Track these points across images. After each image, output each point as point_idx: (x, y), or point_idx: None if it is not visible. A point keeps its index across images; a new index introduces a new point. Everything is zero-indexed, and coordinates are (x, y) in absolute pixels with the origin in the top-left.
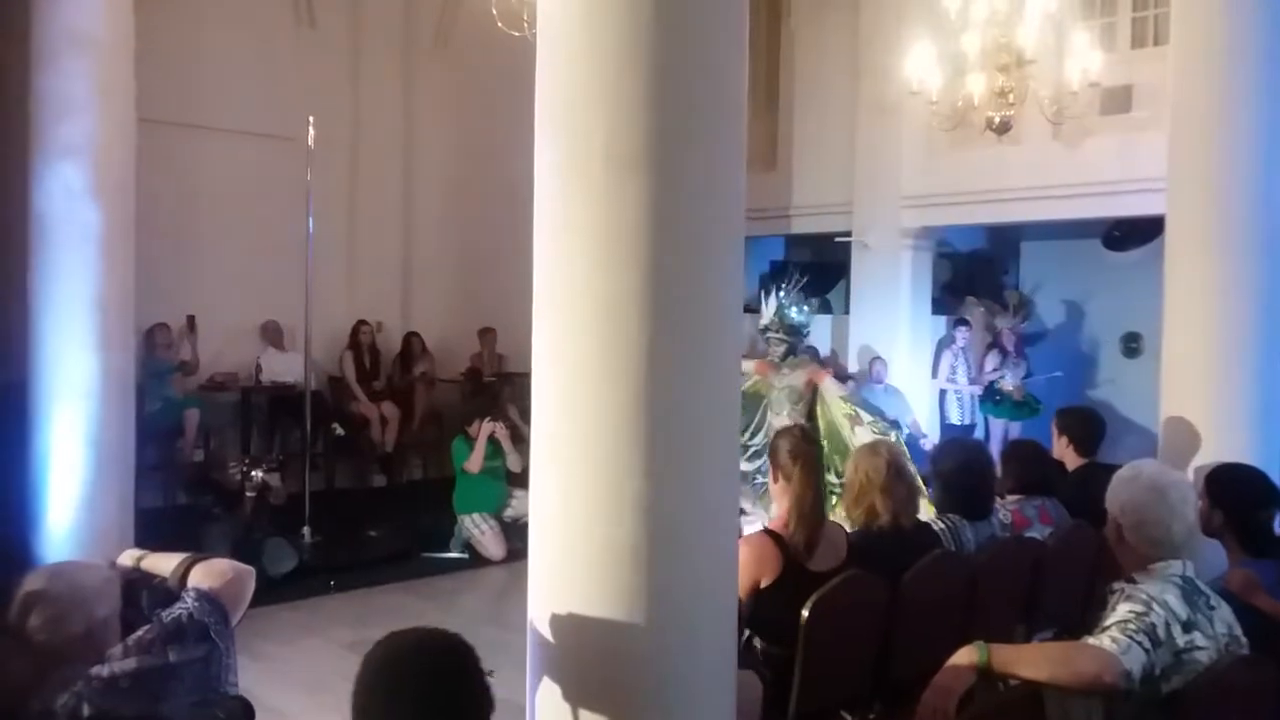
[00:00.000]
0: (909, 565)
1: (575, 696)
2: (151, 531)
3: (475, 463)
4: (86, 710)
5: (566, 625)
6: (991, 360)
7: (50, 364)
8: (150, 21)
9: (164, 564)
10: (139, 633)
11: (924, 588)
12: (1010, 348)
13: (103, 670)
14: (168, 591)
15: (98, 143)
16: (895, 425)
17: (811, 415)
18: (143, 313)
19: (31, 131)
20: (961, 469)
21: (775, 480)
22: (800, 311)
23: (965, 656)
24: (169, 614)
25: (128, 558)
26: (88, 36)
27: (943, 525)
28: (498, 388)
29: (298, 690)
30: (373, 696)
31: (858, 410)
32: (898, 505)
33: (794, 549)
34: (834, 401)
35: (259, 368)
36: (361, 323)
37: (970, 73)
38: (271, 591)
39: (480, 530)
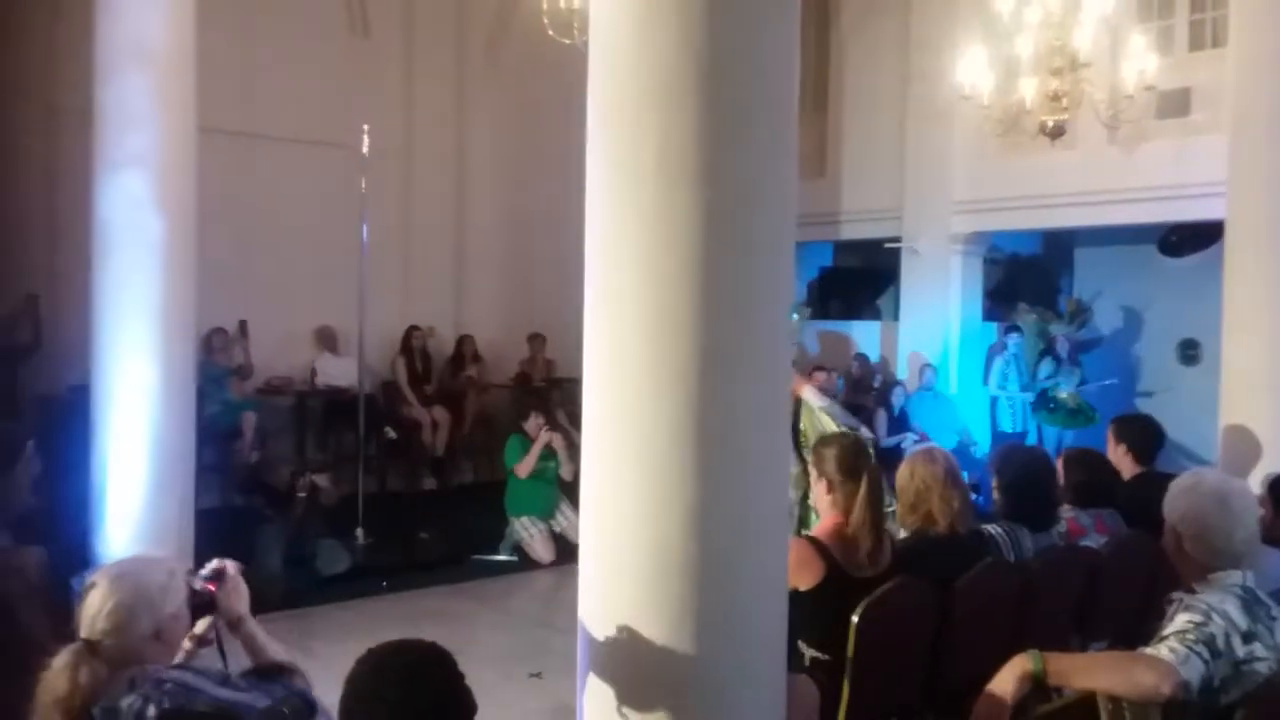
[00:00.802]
0: (960, 572)
1: (625, 701)
2: (208, 532)
3: (526, 468)
4: (152, 711)
5: (617, 629)
6: (1045, 367)
7: (113, 368)
8: (209, 33)
9: (265, 644)
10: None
11: (976, 595)
12: (1064, 355)
13: (183, 677)
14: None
15: (160, 153)
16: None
17: (795, 423)
18: (200, 317)
19: (95, 142)
20: (1028, 478)
21: (825, 489)
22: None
23: (1019, 665)
24: (292, 690)
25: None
26: (150, 49)
27: (1003, 533)
28: (547, 393)
29: None
30: (351, 710)
31: (835, 421)
32: (954, 512)
33: (837, 555)
34: (817, 412)
35: (314, 372)
36: (414, 328)
37: (1023, 76)
38: (325, 591)
39: (530, 534)
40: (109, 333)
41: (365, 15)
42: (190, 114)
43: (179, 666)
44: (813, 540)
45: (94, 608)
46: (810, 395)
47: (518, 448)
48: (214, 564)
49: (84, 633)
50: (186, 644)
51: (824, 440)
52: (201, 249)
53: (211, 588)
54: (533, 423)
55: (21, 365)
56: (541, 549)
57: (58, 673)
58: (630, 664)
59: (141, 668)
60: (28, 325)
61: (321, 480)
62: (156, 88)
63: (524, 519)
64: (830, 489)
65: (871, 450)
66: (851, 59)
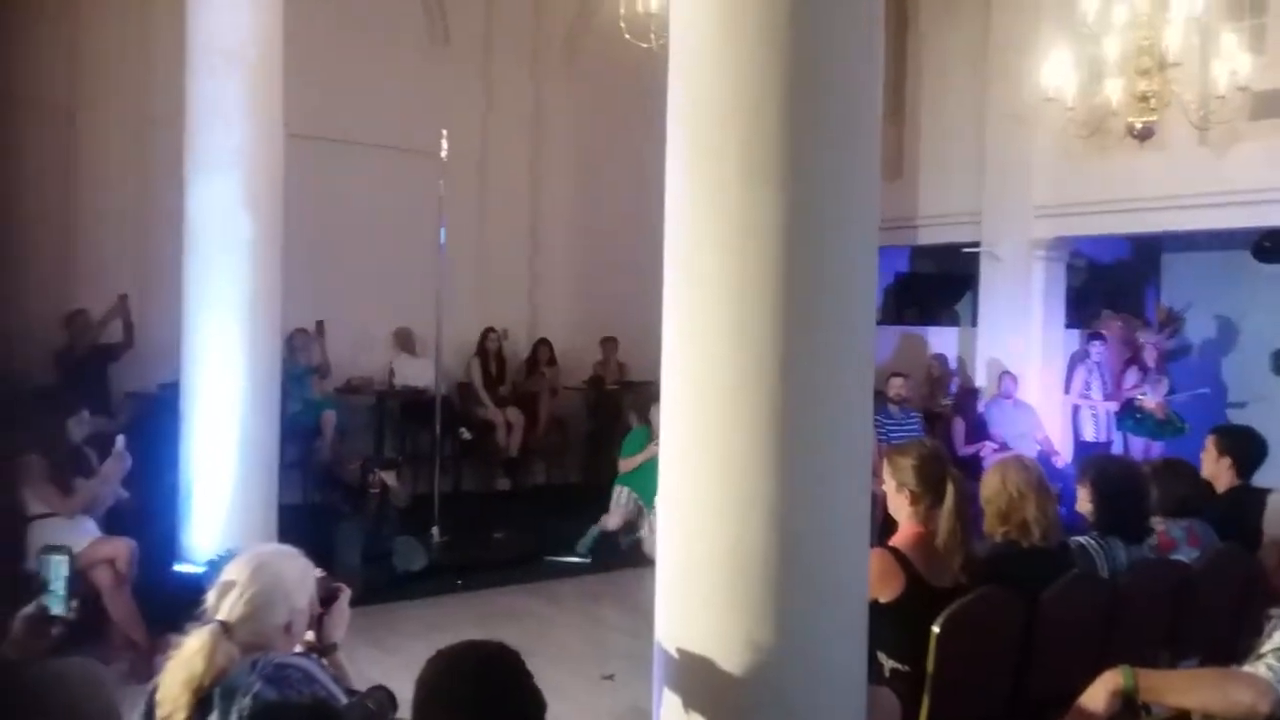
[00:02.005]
0: (1045, 584)
1: (702, 706)
2: (289, 528)
3: (628, 466)
4: (272, 694)
5: (693, 633)
6: (1131, 376)
7: (202, 366)
8: (296, 41)
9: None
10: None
11: (1063, 608)
12: (1151, 363)
13: (309, 666)
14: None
15: (248, 155)
16: None
17: None
18: (282, 318)
19: (185, 144)
20: (1125, 489)
21: (907, 500)
22: None
23: (1110, 681)
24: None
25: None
26: (239, 53)
27: (1096, 545)
28: (619, 396)
29: None
30: (424, 708)
31: None
32: (1049, 521)
33: (919, 566)
34: None
35: (392, 372)
36: (489, 330)
37: (1109, 77)
38: (402, 588)
39: (620, 502)
40: (198, 332)
41: (446, 23)
42: (277, 117)
43: (303, 655)
44: (893, 550)
45: (233, 593)
46: None
47: (641, 439)
48: (332, 586)
49: (220, 615)
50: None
51: (900, 449)
52: (286, 251)
53: (315, 607)
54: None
55: (114, 363)
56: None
57: (193, 653)
58: (707, 669)
59: (265, 653)
60: (120, 324)
61: (389, 478)
62: (245, 91)
63: (627, 489)
64: (913, 500)
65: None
66: (929, 61)
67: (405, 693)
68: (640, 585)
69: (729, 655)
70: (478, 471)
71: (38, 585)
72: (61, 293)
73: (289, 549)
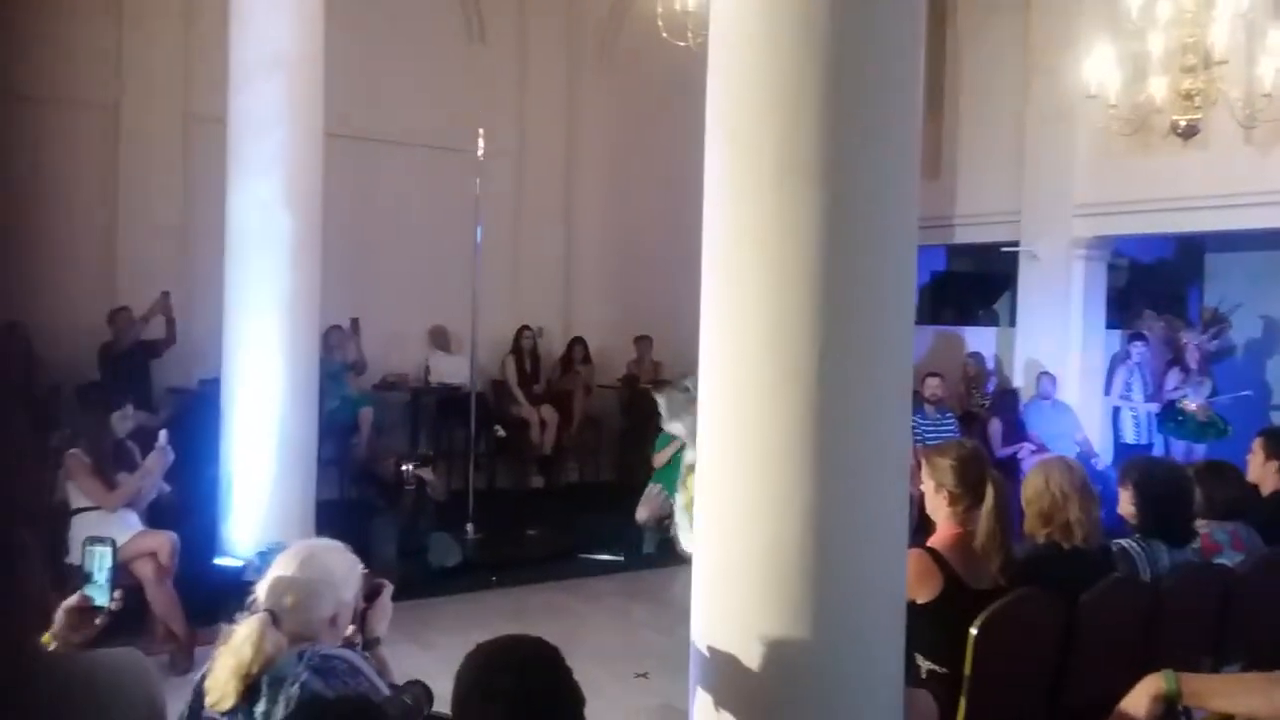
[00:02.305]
0: (1085, 587)
1: (737, 705)
2: (327, 523)
3: (660, 460)
4: (319, 684)
5: (729, 632)
6: (1173, 378)
7: (241, 362)
8: (335, 40)
9: (389, 670)
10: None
11: (1103, 611)
12: (1194, 365)
13: (354, 659)
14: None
15: (289, 156)
16: None
17: None
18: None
19: (228, 145)
20: (1170, 492)
21: (946, 501)
22: None
23: (1152, 685)
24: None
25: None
26: (281, 56)
27: (1138, 548)
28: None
29: None
30: (464, 701)
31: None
32: (1092, 523)
33: (957, 567)
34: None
35: (428, 369)
36: (524, 328)
37: (1153, 75)
38: (438, 584)
39: (650, 495)
40: (238, 328)
41: (482, 22)
42: (318, 119)
43: (349, 647)
44: (931, 551)
45: (282, 583)
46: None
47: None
48: (375, 581)
49: (268, 605)
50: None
51: (939, 449)
52: (325, 249)
53: (360, 601)
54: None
55: (156, 359)
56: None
57: (242, 641)
58: (742, 668)
59: (312, 644)
60: (162, 321)
61: (425, 473)
62: (287, 93)
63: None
64: (951, 501)
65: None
66: (968, 59)
67: (440, 688)
68: (674, 583)
69: (765, 654)
70: (512, 469)
71: (81, 577)
72: (106, 289)
73: (336, 543)
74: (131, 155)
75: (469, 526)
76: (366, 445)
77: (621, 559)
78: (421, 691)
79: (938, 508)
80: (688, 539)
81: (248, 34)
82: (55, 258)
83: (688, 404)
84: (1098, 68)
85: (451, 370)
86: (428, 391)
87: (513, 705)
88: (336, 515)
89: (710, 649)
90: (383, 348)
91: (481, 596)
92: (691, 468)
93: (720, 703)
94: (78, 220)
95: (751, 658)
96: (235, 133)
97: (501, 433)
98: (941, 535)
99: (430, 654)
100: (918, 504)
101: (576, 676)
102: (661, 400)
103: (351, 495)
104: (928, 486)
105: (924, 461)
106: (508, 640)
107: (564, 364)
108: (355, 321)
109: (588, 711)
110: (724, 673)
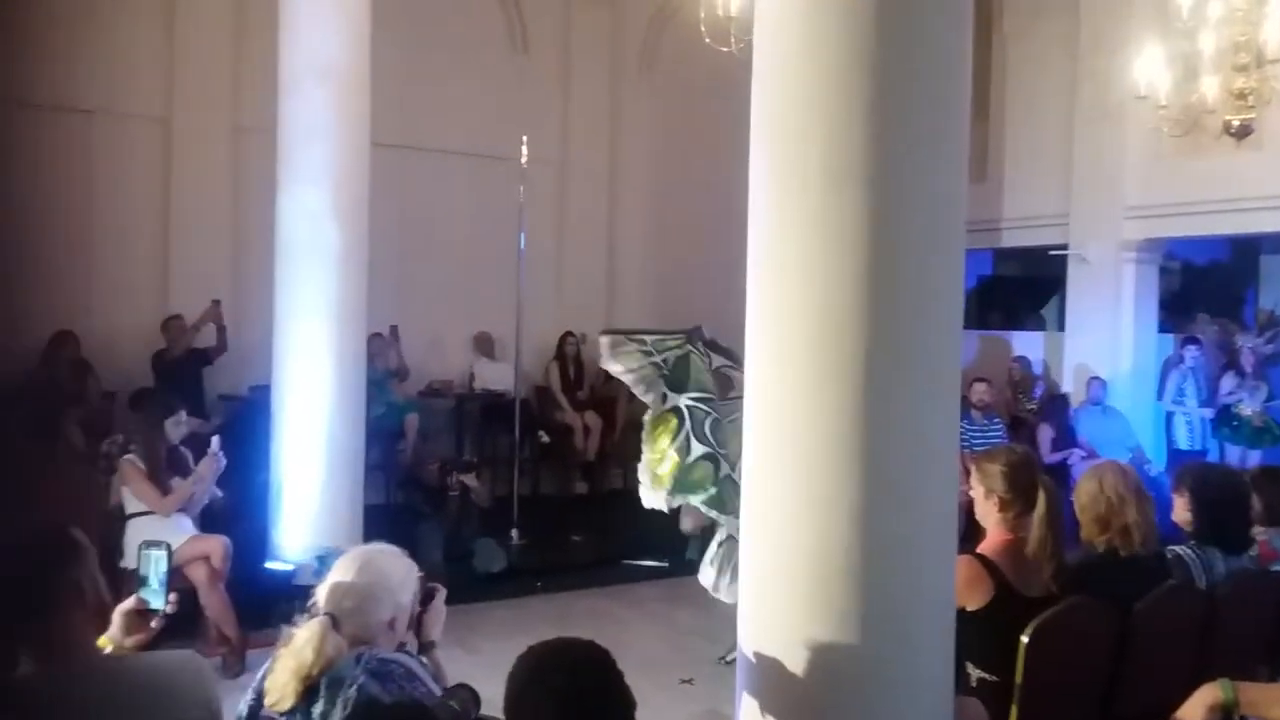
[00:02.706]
0: (1139, 595)
1: (782, 711)
2: (374, 528)
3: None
4: (376, 688)
5: (776, 637)
6: (1227, 382)
7: (291, 370)
8: (380, 50)
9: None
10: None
11: (1157, 619)
12: (1249, 369)
13: (410, 664)
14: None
15: (336, 166)
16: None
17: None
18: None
19: (277, 155)
20: (1227, 498)
21: (996, 506)
22: None
23: (1208, 695)
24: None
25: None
26: (328, 67)
27: (1193, 555)
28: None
29: None
30: (517, 699)
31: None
32: (1149, 527)
33: (1008, 573)
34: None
35: (472, 376)
36: (567, 334)
37: (1204, 74)
38: (483, 590)
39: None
40: (287, 336)
41: (525, 30)
42: (365, 130)
43: (404, 653)
44: (981, 558)
45: (341, 587)
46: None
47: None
48: (429, 585)
49: (328, 608)
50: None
51: (989, 455)
52: (370, 257)
53: (416, 605)
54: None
55: (208, 366)
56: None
57: (303, 644)
58: (788, 673)
59: (370, 647)
60: (213, 329)
61: (469, 480)
62: (334, 104)
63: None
64: (1001, 506)
65: None
66: (1015, 61)
67: (487, 692)
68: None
69: (811, 660)
70: (556, 475)
71: (137, 580)
72: (159, 297)
73: (393, 548)
74: (183, 166)
75: (514, 532)
76: (412, 451)
77: (666, 565)
78: (469, 695)
79: (988, 514)
80: (647, 498)
81: (296, 46)
82: (110, 267)
83: (636, 354)
84: (1148, 68)
85: (496, 376)
86: (472, 398)
87: (564, 704)
88: (383, 520)
89: (756, 654)
90: (427, 354)
91: (526, 602)
92: (656, 422)
93: (766, 708)
94: (131, 230)
95: (798, 663)
96: (284, 143)
97: (546, 439)
98: (992, 542)
99: (476, 659)
100: (966, 510)
101: None
102: (605, 341)
103: (398, 500)
104: (978, 492)
105: (974, 467)
106: (560, 642)
107: (607, 370)
108: (394, 329)
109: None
110: (770, 678)
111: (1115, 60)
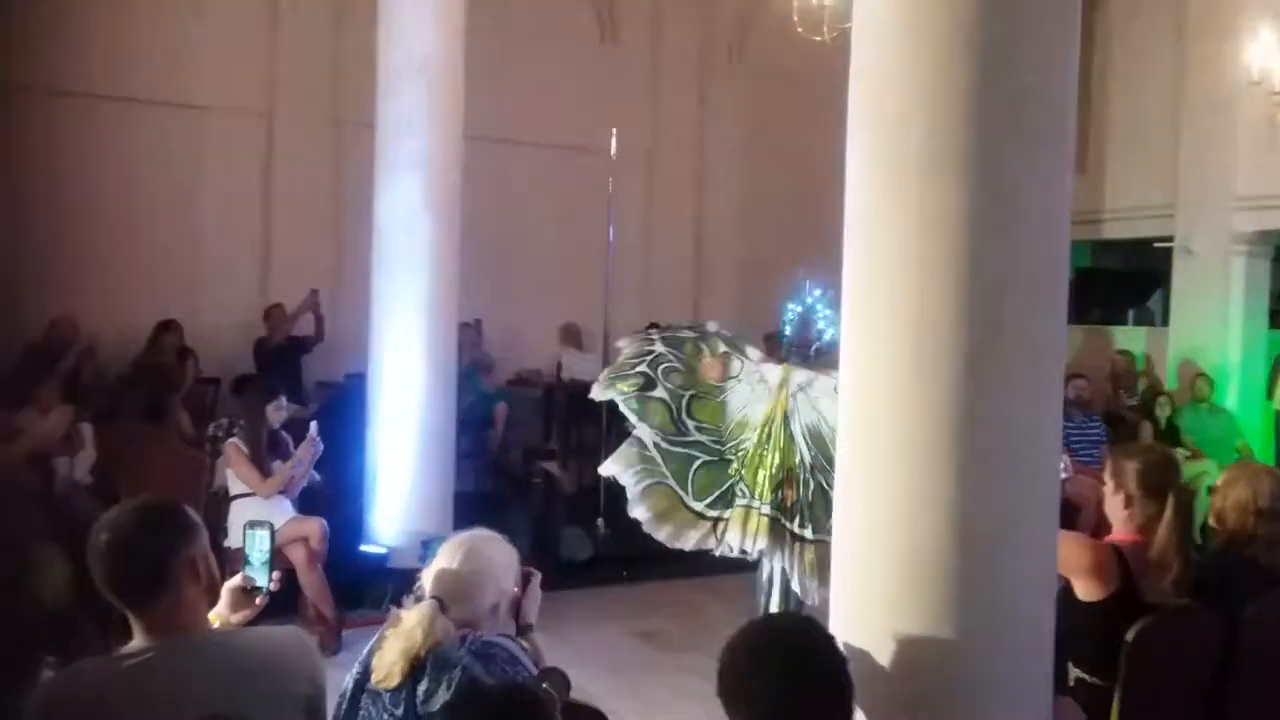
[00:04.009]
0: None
1: (871, 707)
2: (464, 514)
3: None
4: (480, 669)
5: (866, 631)
6: None
7: (385, 359)
8: (473, 44)
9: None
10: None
11: (1266, 628)
12: None
13: (512, 648)
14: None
15: (431, 158)
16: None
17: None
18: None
19: (375, 148)
20: None
21: (1122, 503)
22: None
23: None
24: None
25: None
26: (426, 62)
27: None
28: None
29: (599, 672)
30: (736, 671)
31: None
32: None
33: (1136, 572)
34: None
35: (560, 366)
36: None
37: None
38: (570, 577)
39: None
40: (383, 325)
41: (614, 22)
42: (458, 123)
43: (507, 637)
44: (1116, 549)
45: (448, 572)
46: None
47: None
48: (525, 570)
49: (435, 592)
50: None
51: (1126, 451)
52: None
53: (516, 590)
54: None
55: (306, 354)
56: None
57: (413, 625)
58: (879, 667)
59: (474, 630)
60: (311, 318)
61: (552, 468)
62: (430, 97)
63: None
64: (1129, 505)
65: None
66: (1119, 48)
67: (576, 679)
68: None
69: (903, 655)
70: None
71: (242, 559)
72: (260, 287)
73: (495, 534)
74: (284, 159)
75: (599, 521)
76: (500, 439)
77: (752, 557)
78: (560, 679)
79: (1115, 510)
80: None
81: (395, 41)
82: (214, 256)
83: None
84: (1261, 53)
85: (583, 367)
86: (560, 388)
87: (788, 682)
88: (473, 507)
89: (846, 647)
90: (515, 344)
91: (612, 590)
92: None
93: (855, 702)
94: (235, 221)
95: (889, 658)
96: (381, 136)
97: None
98: (1119, 537)
99: (565, 646)
100: (1066, 504)
101: (707, 671)
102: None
103: (486, 488)
104: (1109, 487)
105: (1109, 461)
106: (787, 617)
107: None
108: (478, 322)
109: (713, 709)
110: (859, 672)
111: (1226, 45)
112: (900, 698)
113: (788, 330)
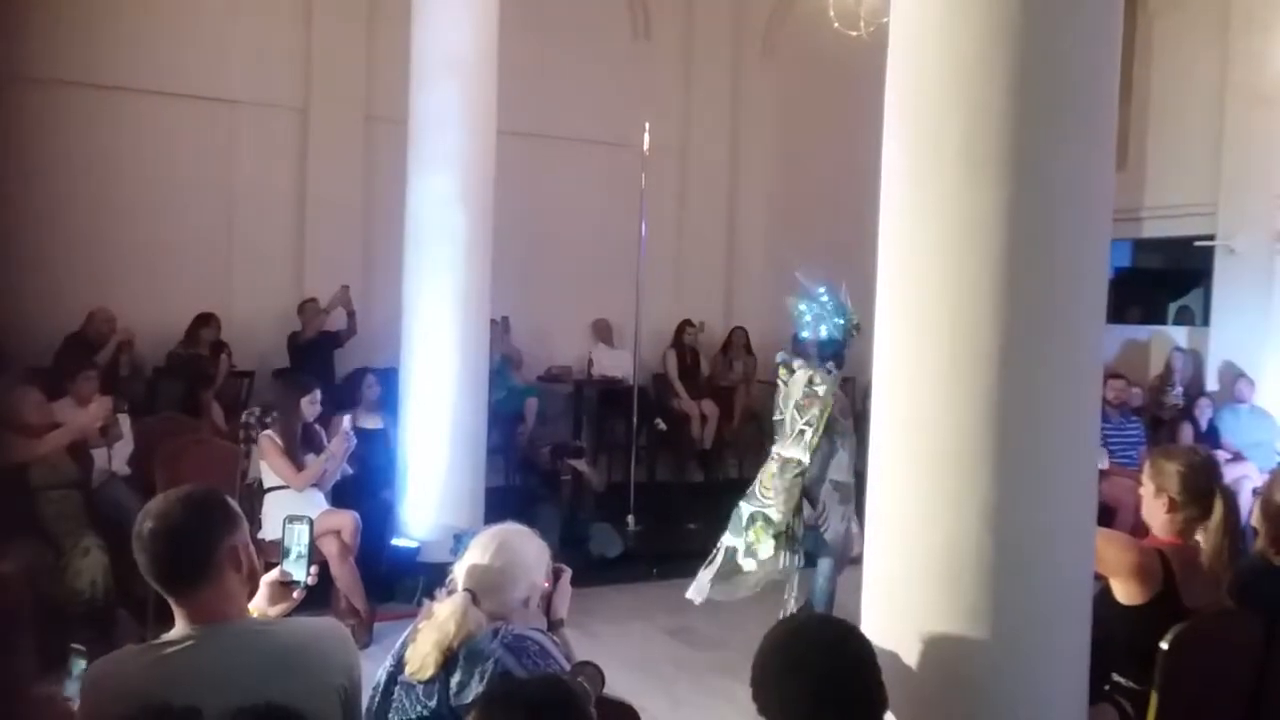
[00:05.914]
0: None
1: (902, 708)
2: (494, 509)
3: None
4: (512, 662)
5: (899, 633)
6: None
7: (418, 353)
8: (506, 40)
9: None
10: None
11: None
12: None
13: (544, 641)
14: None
15: (464, 154)
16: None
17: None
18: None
19: (407, 144)
20: None
21: (1164, 506)
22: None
23: None
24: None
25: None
26: (458, 59)
27: None
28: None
29: (628, 669)
30: (770, 670)
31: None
32: None
33: (1176, 575)
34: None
35: (590, 362)
36: (686, 322)
37: None
38: (600, 574)
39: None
40: (415, 320)
41: (647, 18)
42: (491, 119)
43: (539, 630)
44: (1161, 552)
45: (480, 566)
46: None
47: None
48: (555, 565)
49: (467, 585)
50: None
51: (1167, 453)
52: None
53: (546, 584)
54: None
55: (338, 349)
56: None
57: (446, 618)
58: (912, 672)
59: (506, 624)
60: (343, 313)
61: (580, 464)
62: (462, 94)
63: None
64: (1171, 508)
65: None
66: (1160, 43)
67: (607, 675)
68: (840, 583)
69: (936, 658)
70: (671, 462)
71: (281, 553)
72: (295, 281)
73: (525, 529)
74: (318, 155)
75: (629, 518)
76: (529, 435)
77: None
78: (595, 672)
79: (1154, 513)
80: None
81: (428, 38)
82: (249, 251)
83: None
84: None
85: (614, 363)
86: (590, 384)
87: (819, 683)
88: (503, 502)
89: (880, 650)
90: (546, 340)
91: (641, 588)
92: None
93: (892, 707)
94: (270, 216)
95: (922, 661)
96: (414, 132)
97: (662, 426)
98: (1157, 542)
99: (593, 641)
100: (1103, 505)
101: (737, 672)
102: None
103: (517, 483)
104: (1148, 490)
105: (1148, 463)
106: (821, 619)
107: (724, 348)
108: (505, 319)
109: (745, 707)
110: (892, 673)
111: (1270, 39)
112: (933, 700)
113: (806, 334)
